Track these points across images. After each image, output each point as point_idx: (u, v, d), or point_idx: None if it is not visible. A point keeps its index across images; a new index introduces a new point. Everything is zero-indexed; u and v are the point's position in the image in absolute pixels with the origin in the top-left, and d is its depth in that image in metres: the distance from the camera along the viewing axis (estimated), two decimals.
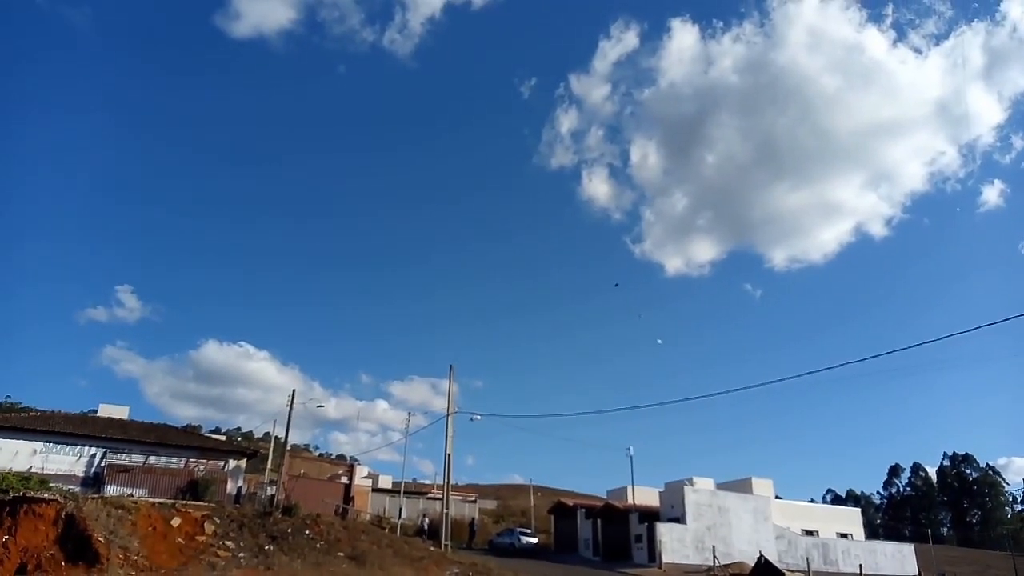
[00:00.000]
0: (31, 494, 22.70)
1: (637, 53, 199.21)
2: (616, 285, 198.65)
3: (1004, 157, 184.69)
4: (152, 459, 32.75)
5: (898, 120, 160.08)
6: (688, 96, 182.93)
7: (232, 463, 34.93)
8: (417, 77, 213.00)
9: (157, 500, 28.04)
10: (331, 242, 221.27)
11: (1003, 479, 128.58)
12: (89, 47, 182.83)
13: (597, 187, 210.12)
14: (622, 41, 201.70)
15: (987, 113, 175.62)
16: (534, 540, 47.76)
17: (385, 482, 63.49)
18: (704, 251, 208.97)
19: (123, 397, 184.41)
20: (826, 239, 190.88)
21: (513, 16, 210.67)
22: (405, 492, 55.10)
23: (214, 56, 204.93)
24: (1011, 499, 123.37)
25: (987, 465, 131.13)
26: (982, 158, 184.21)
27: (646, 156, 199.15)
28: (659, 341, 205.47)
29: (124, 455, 32.28)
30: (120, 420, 36.83)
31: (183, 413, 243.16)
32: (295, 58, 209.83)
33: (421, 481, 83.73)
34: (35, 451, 30.85)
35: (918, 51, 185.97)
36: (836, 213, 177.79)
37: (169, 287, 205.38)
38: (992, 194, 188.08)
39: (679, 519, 41.03)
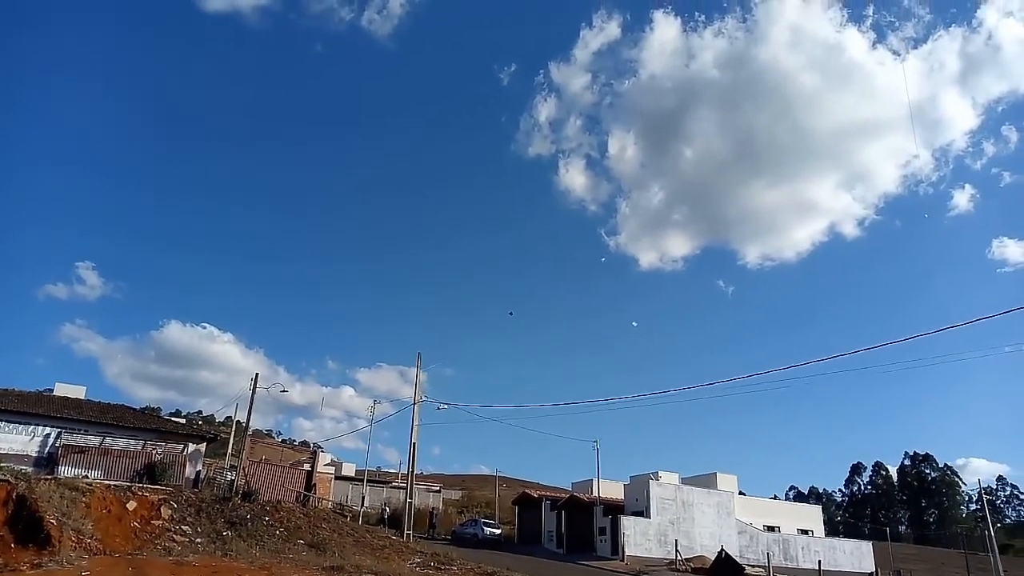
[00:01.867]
0: None
1: (618, 43, 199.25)
2: (634, 324, 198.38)
3: (975, 162, 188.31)
4: (108, 441, 31.94)
5: (874, 121, 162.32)
6: (668, 89, 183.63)
7: (191, 447, 34.22)
8: (395, 59, 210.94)
9: (113, 482, 27.37)
10: (302, 229, 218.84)
11: (960, 479, 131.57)
12: (55, 13, 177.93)
13: (574, 178, 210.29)
14: (604, 31, 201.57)
15: (961, 118, 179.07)
16: (498, 531, 47.66)
17: (349, 470, 62.92)
18: (678, 246, 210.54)
19: (81, 377, 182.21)
20: (799, 238, 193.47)
21: (494, 1, 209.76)
22: (369, 480, 54.72)
23: (186, 29, 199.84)
24: (967, 499, 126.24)
25: (945, 465, 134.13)
26: (954, 162, 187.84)
27: (624, 148, 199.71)
28: (634, 324, 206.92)
29: (80, 435, 31.40)
30: (76, 399, 35.87)
31: (143, 395, 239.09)
32: (270, 34, 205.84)
33: (386, 470, 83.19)
34: None
35: (896, 53, 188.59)
36: (810, 212, 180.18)
37: (132, 265, 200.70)
38: (963, 199, 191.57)
39: (643, 512, 41.22)
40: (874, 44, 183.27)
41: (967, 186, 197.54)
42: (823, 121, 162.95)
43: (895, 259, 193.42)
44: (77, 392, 37.18)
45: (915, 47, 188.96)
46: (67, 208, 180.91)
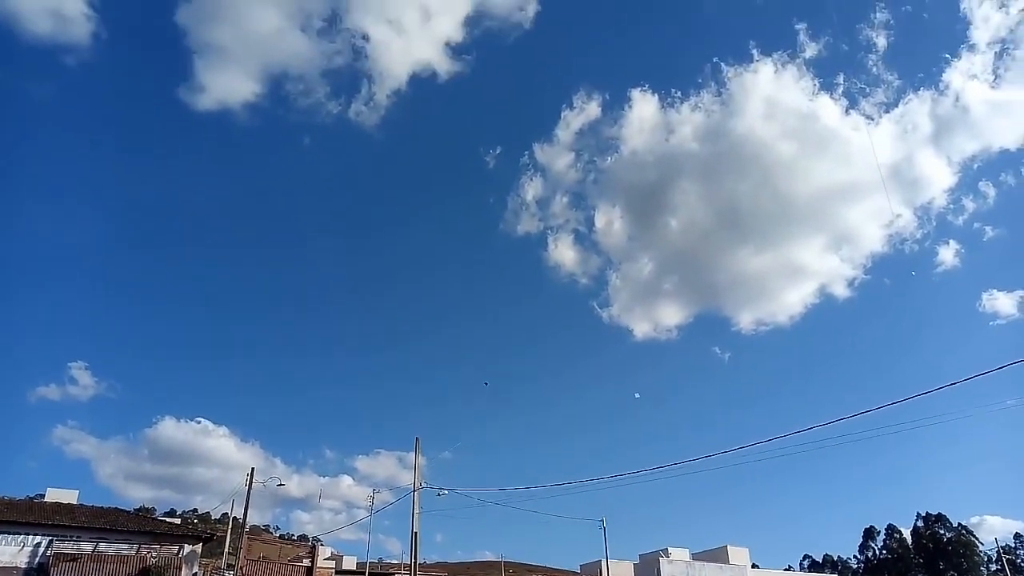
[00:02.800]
0: None
1: (599, 122, 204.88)
2: (637, 396, 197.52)
3: (957, 218, 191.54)
4: (102, 546, 31.01)
5: (854, 184, 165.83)
6: (650, 163, 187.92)
7: (187, 548, 33.24)
8: (383, 148, 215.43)
9: None
10: (295, 323, 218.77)
11: (977, 539, 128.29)
12: (52, 122, 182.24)
13: (563, 253, 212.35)
14: (584, 111, 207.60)
15: (938, 176, 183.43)
16: None
17: (350, 563, 60.96)
18: (671, 315, 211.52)
19: (74, 480, 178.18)
20: (791, 301, 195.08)
21: (478, 87, 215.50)
22: (371, 573, 52.93)
23: (177, 129, 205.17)
24: (986, 559, 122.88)
25: (959, 525, 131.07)
26: (936, 220, 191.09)
27: (611, 222, 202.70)
28: (636, 396, 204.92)
29: (72, 542, 30.49)
30: (68, 505, 34.94)
31: (137, 495, 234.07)
32: (259, 131, 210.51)
33: (388, 560, 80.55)
34: None
35: (869, 118, 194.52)
36: (800, 275, 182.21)
37: (125, 363, 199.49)
38: (948, 254, 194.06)
39: None
40: (847, 110, 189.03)
41: (951, 242, 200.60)
42: (803, 187, 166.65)
43: (887, 317, 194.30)
44: (69, 496, 36.26)
45: (887, 111, 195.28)
46: (60, 309, 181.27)
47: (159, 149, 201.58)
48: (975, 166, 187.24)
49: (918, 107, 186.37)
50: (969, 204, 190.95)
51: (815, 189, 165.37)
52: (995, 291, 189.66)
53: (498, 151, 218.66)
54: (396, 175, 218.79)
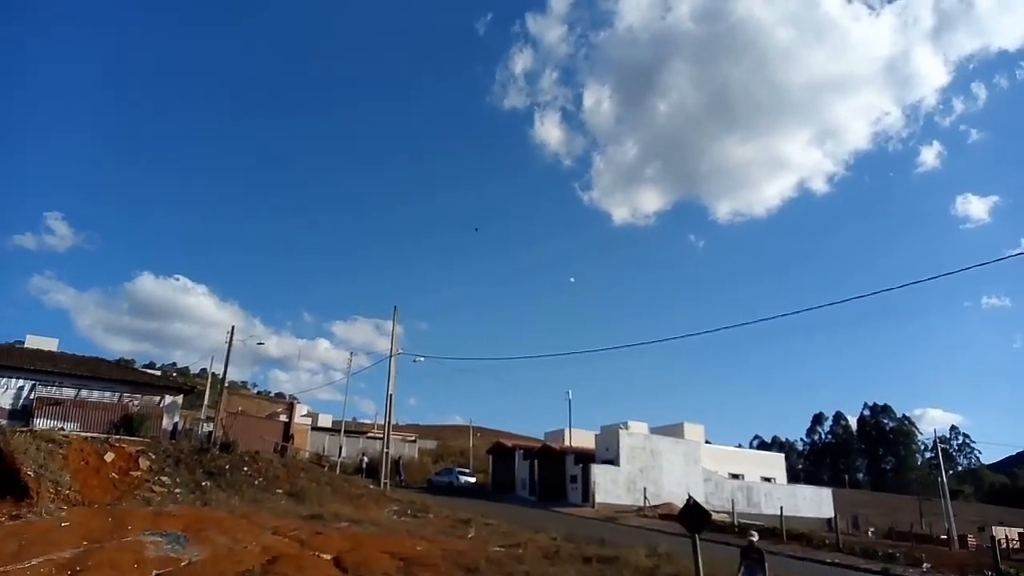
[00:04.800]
0: None
1: None
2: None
3: (944, 119, 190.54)
4: (84, 393, 31.88)
5: (847, 77, 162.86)
6: (644, 41, 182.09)
7: (168, 399, 34.33)
8: (369, 8, 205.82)
9: (90, 434, 27.49)
10: (279, 186, 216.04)
11: (917, 429, 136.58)
12: None
13: (549, 131, 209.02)
14: None
15: (932, 75, 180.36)
16: (472, 479, 48.76)
17: (325, 421, 63.51)
18: (651, 201, 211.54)
19: (52, 329, 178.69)
20: (770, 194, 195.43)
21: None
22: (345, 431, 55.35)
23: None
24: (923, 448, 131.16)
25: (903, 416, 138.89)
26: (924, 119, 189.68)
27: (599, 101, 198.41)
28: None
29: (54, 388, 31.31)
30: (49, 352, 35.61)
31: (116, 347, 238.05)
32: None
33: (362, 420, 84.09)
34: None
35: (871, 8, 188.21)
36: (781, 168, 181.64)
37: (103, 216, 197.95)
38: (930, 155, 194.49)
39: (613, 461, 42.40)
40: None
41: (935, 143, 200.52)
42: (797, 76, 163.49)
43: (863, 215, 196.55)
44: (49, 344, 36.83)
45: (890, 2, 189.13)
46: (36, 159, 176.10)
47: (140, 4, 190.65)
48: (971, 66, 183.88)
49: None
50: (959, 105, 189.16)
51: (808, 80, 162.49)
52: (970, 195, 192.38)
53: (489, 18, 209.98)
54: (384, 38, 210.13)
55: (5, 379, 30.63)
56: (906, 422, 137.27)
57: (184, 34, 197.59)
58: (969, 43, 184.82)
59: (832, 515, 42.84)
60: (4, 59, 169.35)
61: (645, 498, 39.93)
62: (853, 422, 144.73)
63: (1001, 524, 54.58)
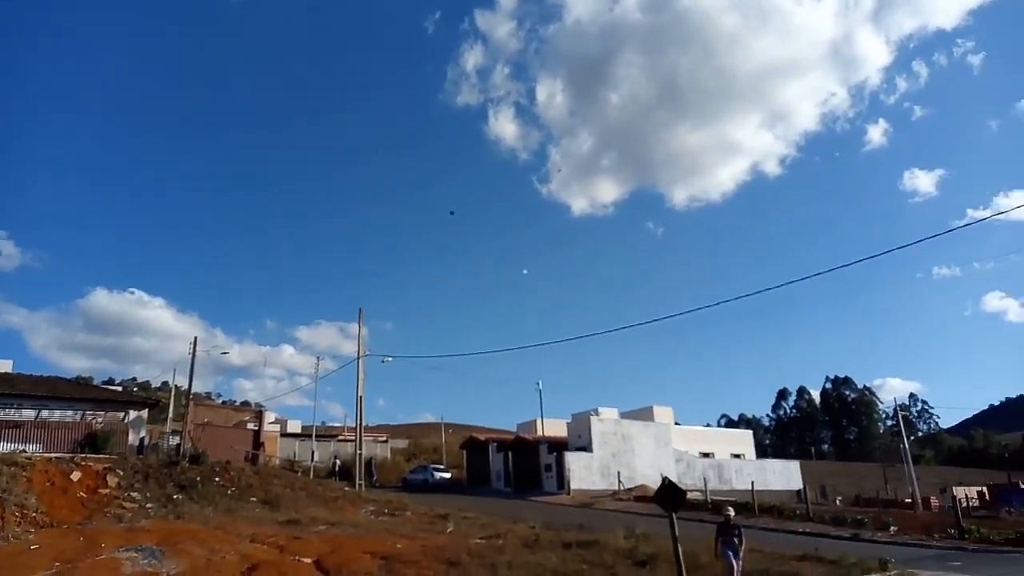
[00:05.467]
0: None
1: None
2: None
3: (889, 98, 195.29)
4: (44, 413, 31.07)
5: (793, 61, 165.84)
6: (593, 34, 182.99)
7: (132, 414, 33.62)
8: (317, 10, 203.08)
9: (54, 455, 26.84)
10: (232, 193, 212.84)
11: (877, 399, 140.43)
12: None
13: (504, 126, 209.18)
14: None
15: (875, 55, 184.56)
16: (447, 475, 48.76)
17: (294, 427, 62.84)
18: (608, 191, 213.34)
19: (4, 351, 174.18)
20: (724, 178, 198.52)
21: None
22: (316, 436, 54.87)
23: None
24: (884, 416, 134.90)
25: (864, 387, 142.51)
26: (869, 99, 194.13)
27: (552, 95, 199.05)
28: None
29: (13, 410, 30.46)
30: (5, 374, 34.59)
31: (73, 365, 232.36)
32: None
33: (331, 424, 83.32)
34: None
35: None
36: (734, 152, 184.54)
37: (49, 233, 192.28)
38: (876, 133, 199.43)
39: (586, 448, 42.81)
40: None
41: (881, 120, 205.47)
42: (744, 62, 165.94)
43: (815, 193, 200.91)
44: (3, 366, 35.76)
45: None
46: None
47: (68, 17, 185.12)
48: (911, 45, 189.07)
49: None
50: (902, 84, 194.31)
51: (755, 65, 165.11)
52: (916, 170, 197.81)
53: (437, 16, 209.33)
54: (333, 41, 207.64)
55: None
56: (867, 393, 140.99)
57: (127, 46, 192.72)
58: (908, 23, 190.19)
59: (801, 487, 43.87)
60: None
61: (619, 482, 40.41)
62: (816, 396, 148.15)
63: (961, 484, 56.61)
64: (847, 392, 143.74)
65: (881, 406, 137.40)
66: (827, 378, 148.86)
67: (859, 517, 28.79)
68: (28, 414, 30.76)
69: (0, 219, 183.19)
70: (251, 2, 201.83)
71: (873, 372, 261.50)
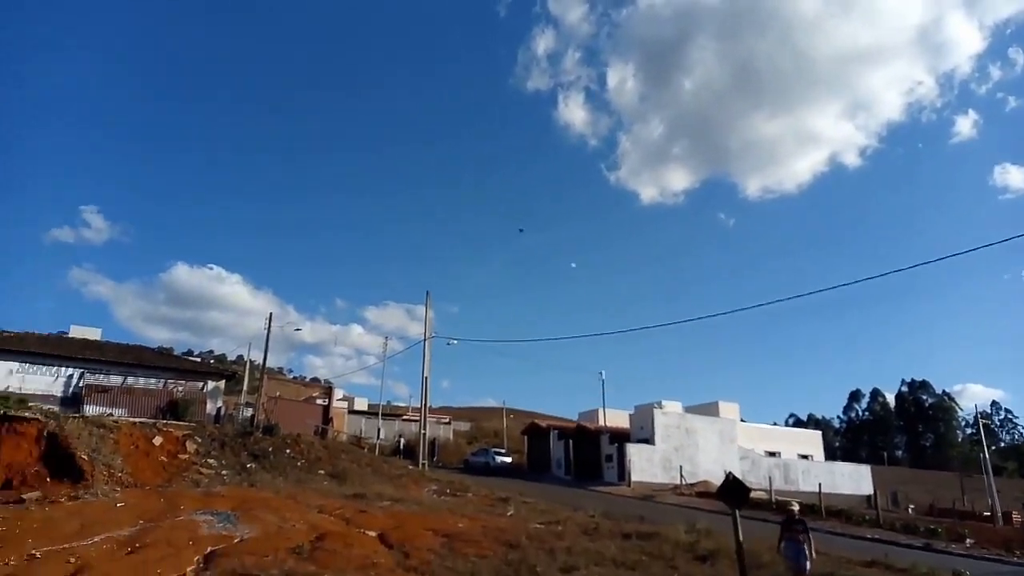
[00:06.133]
0: (11, 413, 22.83)
1: None
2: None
3: (980, 87, 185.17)
4: (130, 380, 32.87)
5: (878, 47, 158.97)
6: (667, 18, 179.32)
7: (211, 384, 35.22)
8: None
9: (137, 420, 28.35)
10: (305, 170, 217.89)
11: (957, 405, 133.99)
12: None
13: (573, 112, 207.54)
14: None
15: (967, 41, 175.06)
16: (508, 460, 49.23)
17: (361, 405, 64.53)
18: (679, 180, 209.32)
19: (93, 319, 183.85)
20: (800, 169, 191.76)
21: None
22: (382, 414, 56.19)
23: None
24: (963, 424, 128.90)
25: (943, 392, 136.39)
26: (959, 88, 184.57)
27: (624, 80, 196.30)
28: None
29: (102, 376, 32.32)
30: (95, 341, 36.69)
31: (156, 336, 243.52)
32: None
33: (396, 404, 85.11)
34: (11, 371, 30.75)
35: None
36: (812, 142, 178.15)
37: (137, 208, 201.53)
38: (966, 125, 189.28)
39: (648, 440, 42.50)
40: None
41: (971, 111, 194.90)
42: (825, 47, 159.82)
43: (897, 187, 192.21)
44: (93, 334, 37.94)
45: None
46: (70, 154, 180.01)
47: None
48: (1007, 31, 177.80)
49: None
50: (995, 72, 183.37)
51: (836, 51, 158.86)
52: (1008, 164, 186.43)
53: None
54: (406, 24, 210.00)
55: (55, 368, 31.67)
56: (946, 398, 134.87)
57: (208, 22, 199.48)
58: (1005, 7, 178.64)
59: (871, 492, 42.48)
60: (34, 60, 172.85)
61: (681, 476, 40.00)
62: (891, 399, 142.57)
63: None
64: (924, 397, 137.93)
65: (960, 413, 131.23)
66: (903, 381, 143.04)
67: (932, 527, 27.75)
68: (115, 380, 32.59)
69: (92, 193, 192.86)
70: None
71: (953, 377, 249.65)
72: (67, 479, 21.10)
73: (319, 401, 43.33)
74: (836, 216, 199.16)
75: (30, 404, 25.49)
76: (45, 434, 22.77)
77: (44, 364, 31.58)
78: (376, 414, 55.48)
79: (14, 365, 30.99)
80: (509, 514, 22.41)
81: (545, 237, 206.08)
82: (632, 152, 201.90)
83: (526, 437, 56.20)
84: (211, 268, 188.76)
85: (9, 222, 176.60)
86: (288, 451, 28.98)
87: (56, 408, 28.40)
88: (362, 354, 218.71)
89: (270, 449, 28.45)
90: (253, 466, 26.71)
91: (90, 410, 29.50)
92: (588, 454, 45.53)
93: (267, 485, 23.92)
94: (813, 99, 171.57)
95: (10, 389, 28.35)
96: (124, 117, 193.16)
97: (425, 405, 38.59)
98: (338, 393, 56.43)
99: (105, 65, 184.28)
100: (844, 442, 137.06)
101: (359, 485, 25.65)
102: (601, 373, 53.93)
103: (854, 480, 50.05)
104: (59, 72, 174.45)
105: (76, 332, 38.20)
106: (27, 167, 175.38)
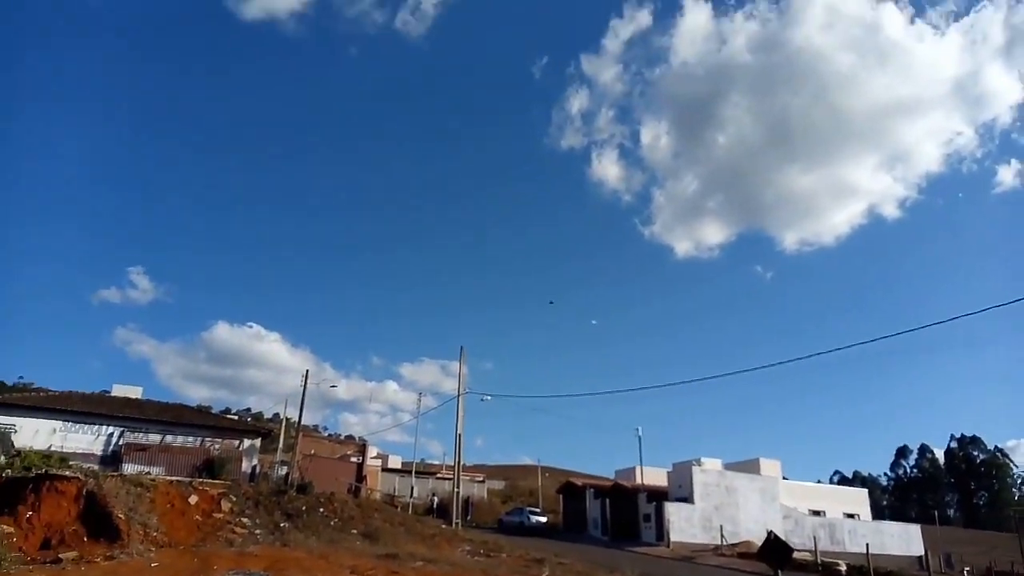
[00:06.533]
0: (53, 471, 23.19)
1: (649, 32, 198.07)
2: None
3: (1022, 137, 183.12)
4: (168, 438, 33.28)
5: (914, 99, 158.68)
6: (700, 76, 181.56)
7: (247, 442, 35.46)
8: (429, 58, 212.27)
9: (174, 478, 28.55)
10: (343, 229, 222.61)
11: (1011, 461, 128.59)
12: (101, 33, 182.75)
13: (607, 169, 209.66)
14: (634, 20, 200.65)
15: (1006, 92, 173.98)
16: (543, 519, 48.30)
17: (395, 462, 64.17)
18: (714, 234, 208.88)
19: (135, 378, 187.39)
20: (838, 221, 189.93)
21: None
22: (416, 472, 55.80)
23: (225, 40, 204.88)
24: (1018, 481, 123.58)
25: (995, 447, 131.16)
26: (1000, 138, 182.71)
27: (657, 137, 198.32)
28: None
29: (141, 434, 32.79)
30: (136, 400, 37.34)
31: (195, 394, 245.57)
32: (306, 41, 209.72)
33: (430, 461, 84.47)
34: (54, 430, 31.41)
35: (936, 28, 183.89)
36: (849, 195, 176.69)
37: (181, 268, 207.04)
38: (1008, 175, 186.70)
39: (687, 499, 41.44)
40: (912, 19, 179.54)
41: (1013, 161, 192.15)
42: (860, 101, 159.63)
43: (938, 239, 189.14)
44: (134, 392, 38.61)
45: (955, 20, 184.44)
46: (118, 216, 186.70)
47: (206, 58, 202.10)
48: None
49: (991, 16, 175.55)
50: None
51: (872, 104, 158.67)
52: None
53: (544, 61, 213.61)
54: (442, 85, 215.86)
55: (97, 426, 32.24)
56: (998, 454, 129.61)
57: (249, 83, 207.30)
58: None
59: (922, 553, 40.73)
60: (76, 131, 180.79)
61: (722, 536, 38.81)
62: (940, 455, 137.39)
63: None
64: (975, 452, 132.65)
65: (1016, 469, 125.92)
66: (952, 436, 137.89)
67: None
68: (154, 438, 33.01)
69: (138, 255, 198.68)
70: (368, 51, 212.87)
71: (1005, 432, 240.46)
72: (104, 538, 21.22)
73: (353, 459, 43.29)
74: (876, 267, 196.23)
75: (71, 463, 25.89)
76: (84, 492, 23.03)
77: (86, 423, 32.21)
78: (410, 472, 55.12)
79: (58, 424, 31.65)
80: (544, 575, 21.91)
81: (579, 293, 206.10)
82: (666, 207, 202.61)
83: (561, 496, 55.20)
84: (251, 326, 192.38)
85: (60, 283, 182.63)
86: (321, 510, 28.83)
87: (96, 467, 28.81)
88: (397, 411, 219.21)
89: (304, 508, 28.34)
90: (287, 525, 26.61)
91: (128, 468, 29.82)
92: (625, 513, 44.50)
93: (300, 544, 23.79)
94: (849, 152, 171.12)
95: (53, 448, 28.88)
96: (170, 177, 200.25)
97: (459, 463, 38.26)
98: (372, 451, 56.31)
99: (146, 131, 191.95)
100: (892, 500, 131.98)
101: (392, 545, 25.36)
102: (638, 430, 53.19)
103: (903, 540, 48.04)
104: (103, 137, 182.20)
105: (118, 391, 38.91)
106: (79, 229, 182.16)
